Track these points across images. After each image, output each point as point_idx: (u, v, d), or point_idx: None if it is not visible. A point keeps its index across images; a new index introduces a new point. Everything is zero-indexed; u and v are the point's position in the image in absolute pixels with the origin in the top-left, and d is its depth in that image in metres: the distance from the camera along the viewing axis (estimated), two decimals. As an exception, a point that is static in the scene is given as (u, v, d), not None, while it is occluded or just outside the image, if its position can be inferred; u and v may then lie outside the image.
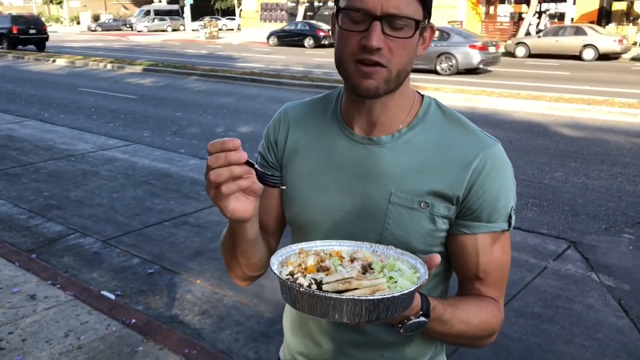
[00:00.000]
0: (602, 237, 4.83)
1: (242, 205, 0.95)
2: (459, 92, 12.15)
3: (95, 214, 5.35)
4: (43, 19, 33.68)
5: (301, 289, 0.82)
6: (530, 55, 21.81)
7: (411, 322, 0.95)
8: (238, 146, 0.89)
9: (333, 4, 1.06)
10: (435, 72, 16.40)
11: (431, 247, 1.10)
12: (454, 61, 16.24)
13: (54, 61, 20.66)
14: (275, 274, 0.87)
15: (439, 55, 16.32)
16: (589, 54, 20.63)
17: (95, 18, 57.00)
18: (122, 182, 6.38)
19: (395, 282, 0.86)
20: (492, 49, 16.97)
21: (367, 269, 0.89)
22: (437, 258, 0.89)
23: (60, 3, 65.25)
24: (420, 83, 13.56)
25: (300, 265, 0.91)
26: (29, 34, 25.70)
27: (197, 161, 7.26)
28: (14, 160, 7.28)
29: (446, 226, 1.09)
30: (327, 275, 0.86)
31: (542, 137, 8.50)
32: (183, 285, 3.99)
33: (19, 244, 4.60)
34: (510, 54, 22.55)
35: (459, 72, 16.26)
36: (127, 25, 50.68)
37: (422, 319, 0.96)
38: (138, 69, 18.20)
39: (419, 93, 1.15)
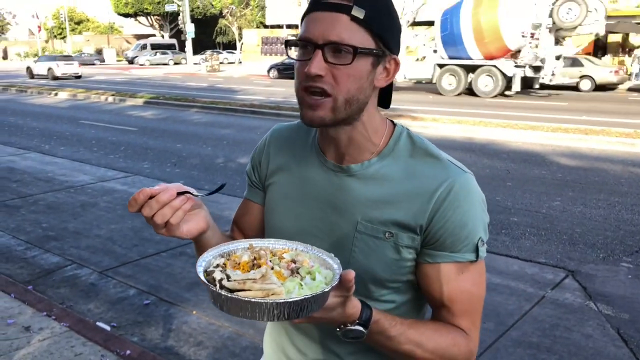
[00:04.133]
0: (600, 266, 4.81)
1: (193, 223, 1.05)
2: (457, 123, 12.24)
3: (93, 245, 5.35)
4: (47, 53, 34.35)
5: (202, 280, 0.90)
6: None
7: (347, 329, 0.97)
8: (162, 189, 0.99)
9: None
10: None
11: (398, 276, 1.11)
12: None
13: (56, 94, 20.91)
14: (197, 272, 0.93)
15: None
16: (585, 84, 20.85)
17: (98, 52, 58.04)
18: (120, 213, 6.39)
19: (302, 288, 0.90)
20: None
21: (294, 272, 0.94)
22: (351, 274, 0.89)
23: (64, 38, 66.38)
24: (419, 114, 13.68)
25: (235, 260, 0.97)
26: None
27: (195, 192, 7.27)
28: (13, 192, 7.31)
29: (412, 256, 1.09)
30: (252, 271, 0.93)
31: (540, 167, 8.54)
32: (179, 316, 3.97)
33: (16, 276, 4.59)
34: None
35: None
36: (100, 61, 52.51)
37: (357, 327, 0.97)
38: (139, 101, 18.40)
39: (392, 122, 1.17)
